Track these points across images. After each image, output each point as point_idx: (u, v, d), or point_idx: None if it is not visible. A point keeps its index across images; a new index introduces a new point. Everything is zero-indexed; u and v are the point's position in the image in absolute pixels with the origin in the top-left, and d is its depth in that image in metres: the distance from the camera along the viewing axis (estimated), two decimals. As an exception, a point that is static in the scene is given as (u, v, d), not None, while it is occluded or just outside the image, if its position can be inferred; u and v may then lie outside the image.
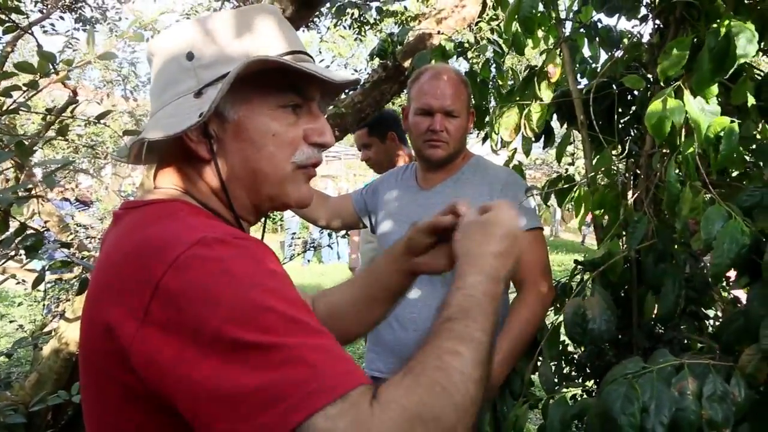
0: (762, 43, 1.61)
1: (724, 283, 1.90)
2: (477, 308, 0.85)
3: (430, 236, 1.16)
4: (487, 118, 2.41)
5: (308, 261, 12.70)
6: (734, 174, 1.81)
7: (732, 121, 1.47)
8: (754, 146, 1.69)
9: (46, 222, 3.41)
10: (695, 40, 1.56)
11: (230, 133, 0.91)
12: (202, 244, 0.75)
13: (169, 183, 0.96)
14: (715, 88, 1.52)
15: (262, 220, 1.05)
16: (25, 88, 1.74)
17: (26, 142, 1.80)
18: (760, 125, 1.75)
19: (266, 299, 0.72)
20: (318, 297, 1.29)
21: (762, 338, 1.25)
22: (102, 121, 1.77)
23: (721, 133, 1.45)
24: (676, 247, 1.70)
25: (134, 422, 0.79)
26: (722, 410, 1.24)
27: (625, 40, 2.11)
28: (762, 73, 1.63)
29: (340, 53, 12.99)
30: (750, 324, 1.31)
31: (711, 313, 1.90)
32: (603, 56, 2.21)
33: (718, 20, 1.51)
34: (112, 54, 1.83)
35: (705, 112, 1.50)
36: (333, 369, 0.69)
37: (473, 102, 2.14)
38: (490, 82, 2.45)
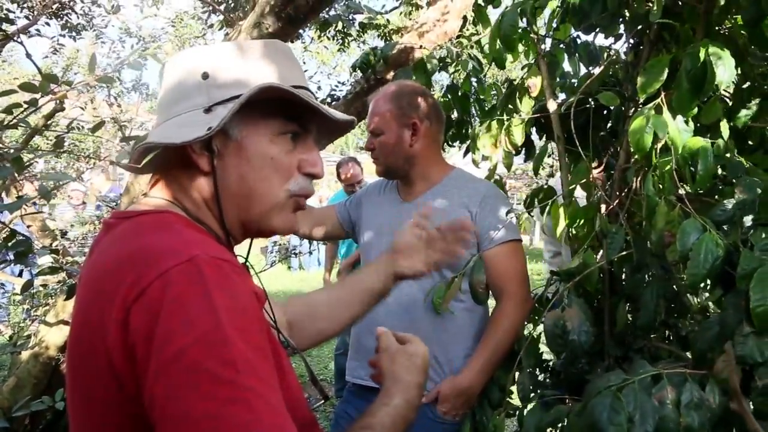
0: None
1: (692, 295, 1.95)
2: (394, 428, 1.00)
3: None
4: (469, 131, 2.45)
5: (296, 269, 12.80)
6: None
7: (706, 141, 1.52)
8: (724, 164, 1.75)
9: (28, 226, 3.41)
10: (672, 59, 1.61)
11: (232, 150, 0.96)
12: (193, 263, 0.79)
13: (162, 193, 1.00)
14: (695, 109, 1.57)
15: (249, 239, 1.08)
16: (25, 105, 1.77)
17: (23, 155, 1.83)
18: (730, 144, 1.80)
19: (235, 336, 0.76)
20: (295, 298, 1.40)
21: (737, 344, 1.29)
22: (94, 132, 1.80)
23: (696, 152, 1.51)
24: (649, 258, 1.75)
25: (115, 423, 0.82)
26: (699, 417, 1.28)
27: (605, 56, 2.16)
28: (729, 94, 1.69)
29: (323, 61, 13.02)
30: (725, 331, 1.35)
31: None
32: (583, 71, 2.25)
33: (692, 43, 1.57)
34: (110, 78, 1.86)
35: (681, 130, 1.57)
36: (271, 422, 0.74)
37: (428, 113, 2.11)
38: (472, 96, 2.50)
